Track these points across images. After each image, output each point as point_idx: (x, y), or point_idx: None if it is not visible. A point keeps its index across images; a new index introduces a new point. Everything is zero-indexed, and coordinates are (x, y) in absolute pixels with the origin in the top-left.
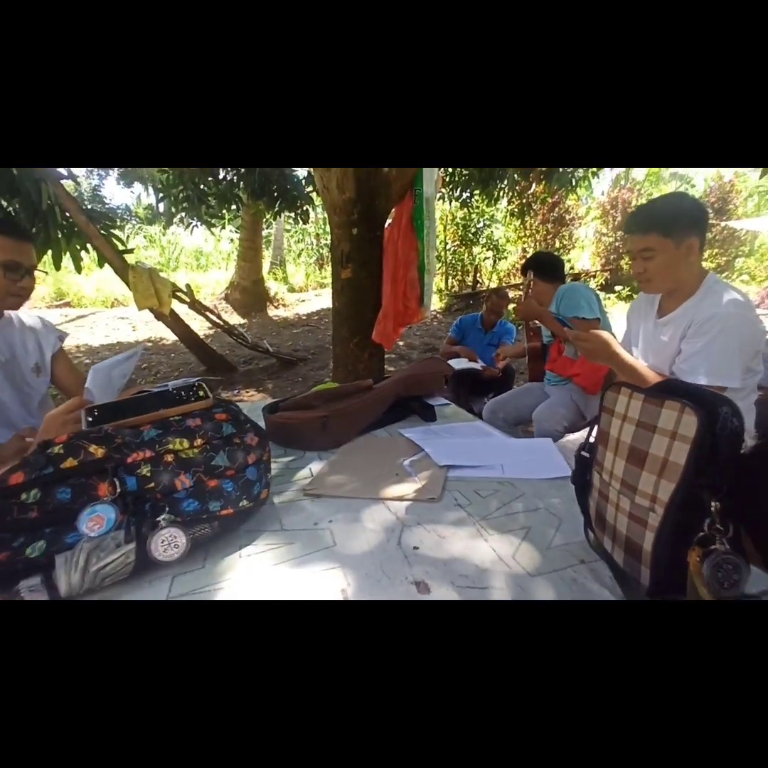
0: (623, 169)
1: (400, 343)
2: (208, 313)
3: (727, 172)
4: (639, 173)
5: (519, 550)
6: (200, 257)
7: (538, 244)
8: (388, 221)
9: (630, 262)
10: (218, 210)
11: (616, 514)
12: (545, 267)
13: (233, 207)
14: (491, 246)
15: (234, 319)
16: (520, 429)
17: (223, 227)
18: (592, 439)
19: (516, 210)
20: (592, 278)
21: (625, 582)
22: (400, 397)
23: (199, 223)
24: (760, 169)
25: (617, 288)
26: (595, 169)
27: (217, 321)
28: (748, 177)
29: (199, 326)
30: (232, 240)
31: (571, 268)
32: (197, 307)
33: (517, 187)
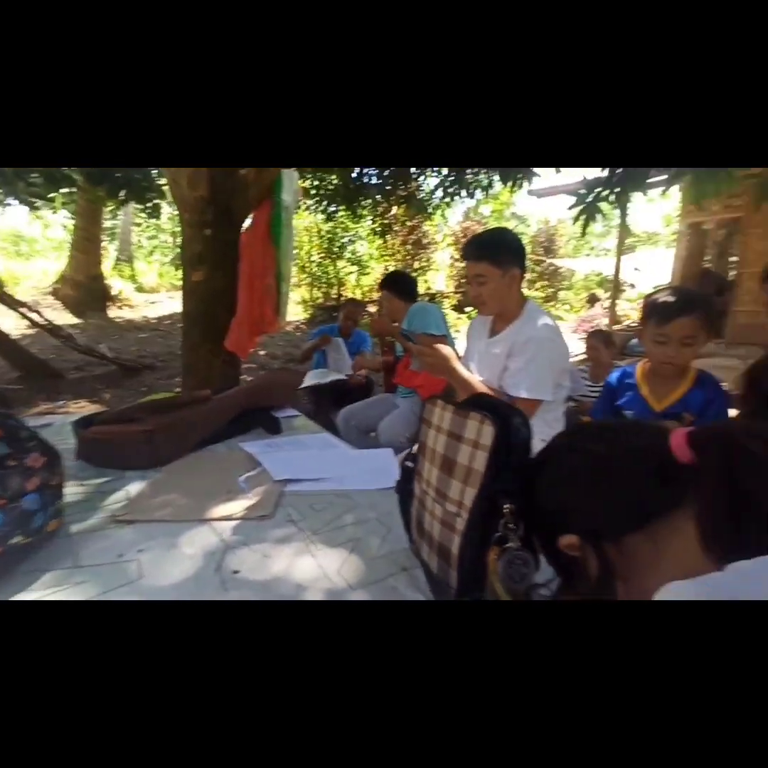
0: (473, 203)
1: (262, 352)
2: (23, 309)
3: (553, 218)
4: (486, 209)
5: (345, 564)
6: (20, 242)
7: (398, 263)
8: (246, 225)
9: None
10: (45, 190)
11: (432, 521)
12: (400, 285)
13: (66, 189)
14: (355, 261)
15: (65, 318)
16: (371, 436)
17: (55, 211)
18: (415, 450)
19: (379, 229)
20: (445, 299)
21: (437, 586)
22: (245, 408)
23: (15, 202)
24: (575, 215)
25: (467, 309)
26: (448, 199)
27: (38, 319)
28: (567, 223)
29: (15, 325)
30: (65, 227)
31: (428, 288)
32: (8, 301)
33: (379, 208)
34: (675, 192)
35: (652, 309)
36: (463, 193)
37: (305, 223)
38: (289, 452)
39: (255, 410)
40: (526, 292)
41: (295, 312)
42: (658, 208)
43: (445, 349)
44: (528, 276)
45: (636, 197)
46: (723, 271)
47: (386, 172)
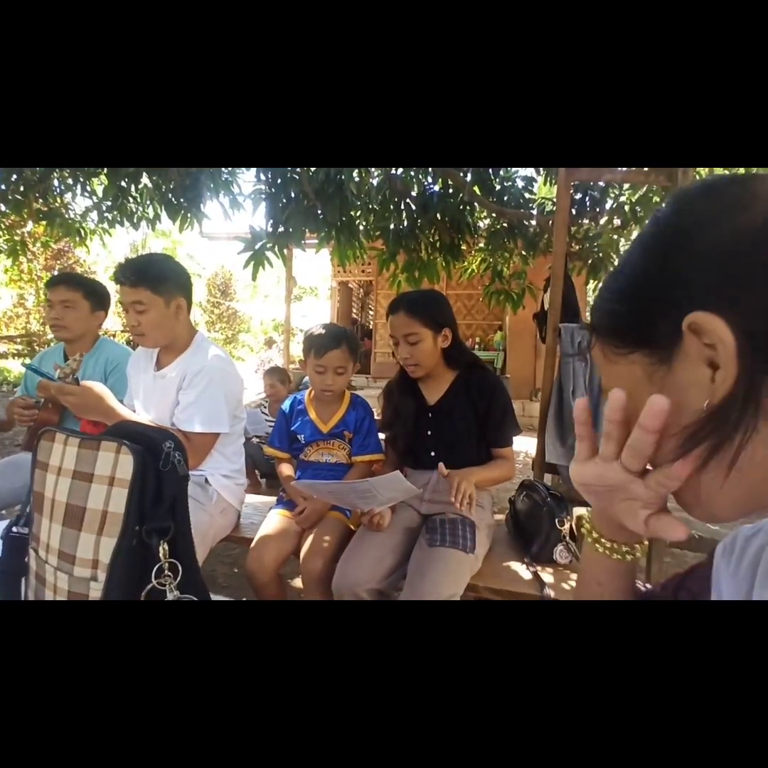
0: (140, 237)
1: None
2: None
3: (228, 263)
4: (156, 244)
5: None
6: None
7: (40, 291)
8: None
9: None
10: None
11: (56, 599)
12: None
13: None
14: None
15: None
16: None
17: None
18: (29, 509)
19: (4, 246)
20: (113, 337)
21: None
22: None
23: None
24: (245, 261)
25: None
26: (106, 226)
27: None
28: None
29: None
30: None
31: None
32: None
33: (6, 220)
34: (326, 254)
35: (310, 343)
36: (126, 222)
37: None
38: None
39: None
40: (207, 335)
41: None
42: (317, 266)
43: (96, 385)
44: (208, 318)
45: (298, 253)
46: (365, 321)
47: (13, 177)
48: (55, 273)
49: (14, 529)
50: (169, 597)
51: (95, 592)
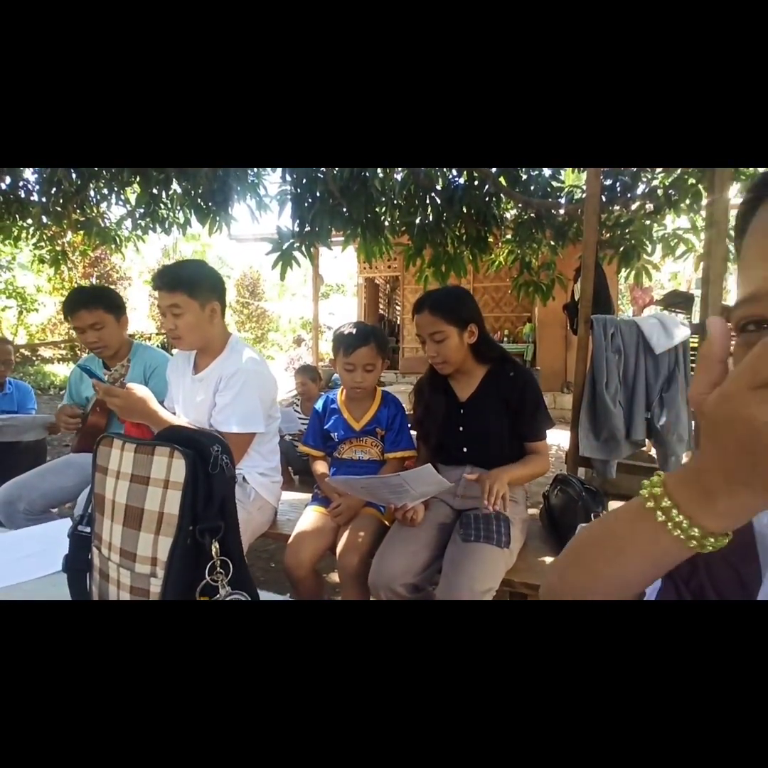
0: (171, 242)
1: None
2: None
3: (256, 263)
4: (187, 248)
5: None
6: None
7: None
8: None
9: None
10: None
11: (119, 594)
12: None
13: None
14: (13, 293)
15: None
16: (53, 515)
17: None
18: (90, 509)
19: (48, 256)
20: (147, 340)
21: None
22: None
23: None
24: (273, 262)
25: (175, 351)
26: (140, 232)
27: None
28: (270, 270)
29: None
30: None
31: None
32: None
33: (47, 231)
34: (352, 251)
35: (339, 342)
36: (158, 228)
37: None
38: None
39: None
40: (238, 335)
41: None
42: (343, 264)
43: (139, 388)
44: (237, 318)
45: (324, 251)
46: (392, 317)
47: (53, 190)
48: (93, 281)
49: (79, 528)
50: (222, 592)
51: (155, 587)
